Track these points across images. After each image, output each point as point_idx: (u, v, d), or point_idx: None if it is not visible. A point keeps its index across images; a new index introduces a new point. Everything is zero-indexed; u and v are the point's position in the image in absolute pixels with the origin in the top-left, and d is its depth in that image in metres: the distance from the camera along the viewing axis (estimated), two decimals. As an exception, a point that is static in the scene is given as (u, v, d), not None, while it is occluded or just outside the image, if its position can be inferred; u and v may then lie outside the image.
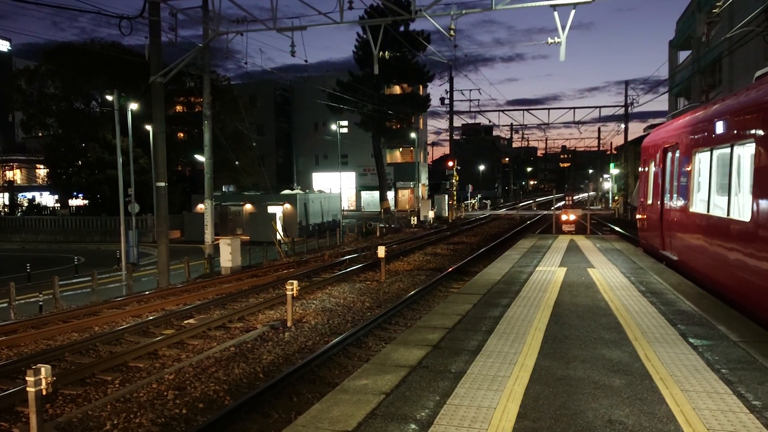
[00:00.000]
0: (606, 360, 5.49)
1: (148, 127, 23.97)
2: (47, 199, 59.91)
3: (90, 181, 41.39)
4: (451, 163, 46.73)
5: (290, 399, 7.56)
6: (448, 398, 4.59)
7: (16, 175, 62.63)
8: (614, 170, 59.45)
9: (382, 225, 36.71)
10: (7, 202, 57.03)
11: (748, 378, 4.93)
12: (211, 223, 21.29)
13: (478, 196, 75.79)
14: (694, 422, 4.06)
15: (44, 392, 5.92)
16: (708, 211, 8.98)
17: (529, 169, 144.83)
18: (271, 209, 36.09)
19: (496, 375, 5.11)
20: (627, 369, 5.21)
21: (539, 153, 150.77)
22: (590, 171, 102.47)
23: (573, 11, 14.82)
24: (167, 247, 18.85)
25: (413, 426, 4.10)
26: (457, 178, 47.65)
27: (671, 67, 41.05)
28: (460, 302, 8.26)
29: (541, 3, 14.93)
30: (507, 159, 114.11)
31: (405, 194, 68.58)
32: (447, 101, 47.17)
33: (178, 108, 47.19)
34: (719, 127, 8.59)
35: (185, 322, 12.26)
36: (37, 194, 60.98)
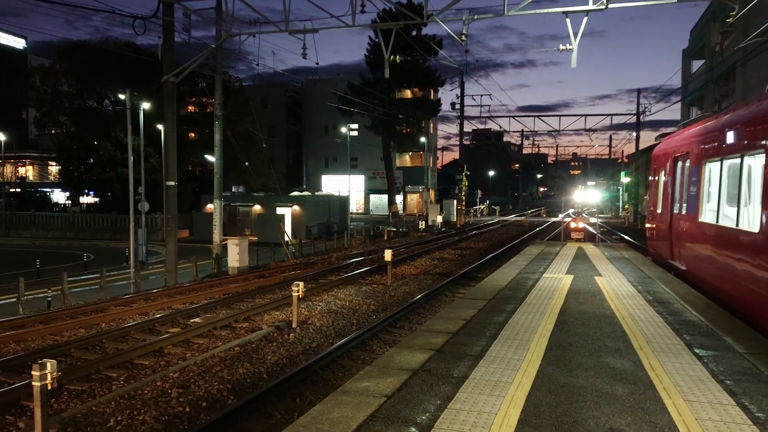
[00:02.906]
0: (610, 368, 5.46)
1: (160, 127, 24.12)
2: (58, 196, 60.42)
3: (101, 178, 41.73)
4: (460, 168, 46.69)
5: (293, 400, 7.57)
6: (449, 403, 4.59)
7: (29, 172, 63.25)
8: (625, 178, 59.17)
9: (390, 228, 36.70)
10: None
11: (752, 390, 4.89)
12: (219, 223, 21.38)
13: (487, 201, 75.63)
14: (696, 433, 4.03)
15: (49, 387, 5.96)
16: (717, 221, 8.92)
17: (539, 176, 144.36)
18: (279, 210, 36.19)
19: (499, 381, 5.10)
20: (630, 378, 5.18)
21: (550, 160, 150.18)
22: (601, 178, 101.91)
23: (585, 18, 14.78)
24: (176, 246, 18.94)
25: (413, 429, 4.09)
26: (467, 184, 47.58)
27: (684, 76, 40.85)
28: (465, 307, 8.24)
29: (554, 10, 14.91)
30: (517, 165, 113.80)
31: (414, 198, 68.57)
32: (458, 106, 47.19)
33: (190, 108, 47.51)
34: (730, 137, 8.54)
35: (191, 320, 12.32)
36: (48, 191, 61.54)
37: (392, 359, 5.74)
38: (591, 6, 14.28)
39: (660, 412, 4.41)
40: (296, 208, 36.65)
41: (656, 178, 14.45)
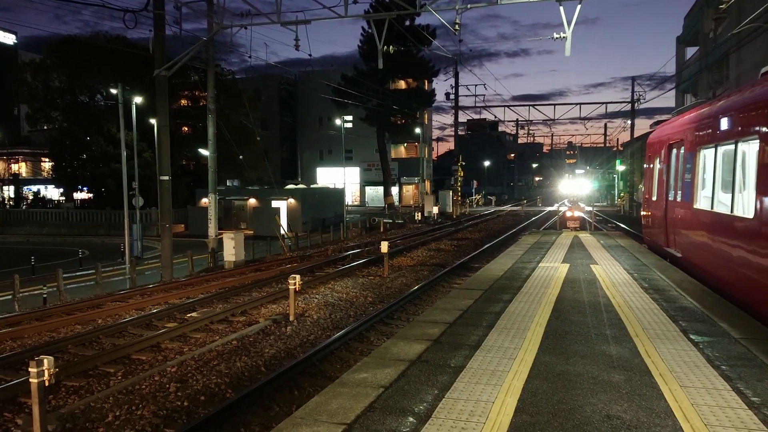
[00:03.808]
0: (606, 356, 5.48)
1: (153, 121, 24.01)
2: (52, 192, 60.15)
3: (95, 174, 41.54)
4: (456, 159, 46.66)
5: (291, 392, 7.58)
6: (446, 392, 4.60)
7: (22, 168, 62.87)
8: (620, 167, 59.27)
9: (386, 220, 36.70)
10: (12, 195, 57.27)
11: (747, 375, 4.92)
12: (214, 217, 21.33)
13: (483, 192, 75.66)
14: (692, 418, 4.06)
15: (47, 383, 5.95)
16: (712, 207, 8.94)
17: (534, 165, 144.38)
18: (275, 204, 36.16)
19: (496, 369, 5.11)
20: (627, 365, 5.20)
21: (545, 149, 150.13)
22: (589, 167, 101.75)
23: (579, 6, 14.72)
24: (171, 241, 18.91)
25: (411, 419, 4.10)
26: (462, 174, 47.58)
27: (678, 63, 40.82)
28: (461, 297, 8.25)
29: (547, -2, 14.83)
30: (512, 155, 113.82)
31: (409, 190, 68.54)
32: (452, 96, 47.08)
33: (183, 102, 47.27)
34: (724, 124, 8.55)
35: (188, 315, 12.31)
36: (42, 187, 61.24)
37: (389, 350, 5.75)
38: (584, -6, 14.21)
39: (656, 398, 4.43)
40: (292, 201, 36.61)
41: (651, 165, 14.47)
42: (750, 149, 7.49)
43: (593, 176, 71.96)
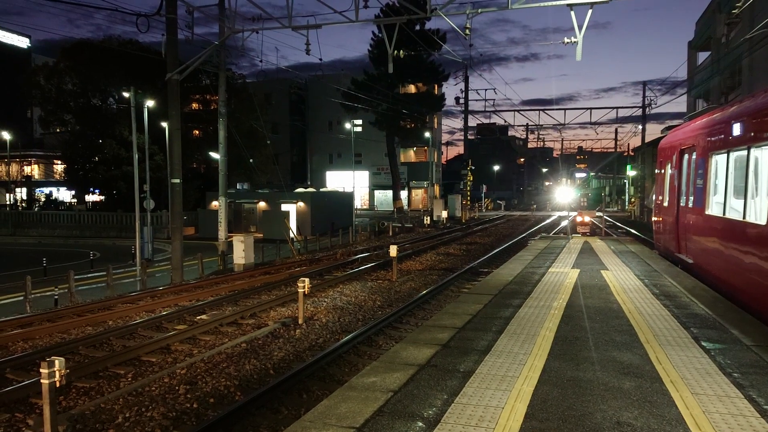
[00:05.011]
0: (616, 362, 5.44)
1: (164, 124, 24.17)
2: (64, 195, 60.64)
3: (106, 177, 41.83)
4: (465, 163, 46.58)
5: (300, 396, 7.59)
6: (456, 397, 4.59)
7: (34, 171, 63.41)
8: (631, 172, 58.94)
9: (394, 224, 36.69)
10: (24, 197, 57.79)
11: (760, 382, 4.87)
12: (224, 220, 21.42)
13: (492, 196, 75.43)
14: (703, 425, 4.02)
15: (58, 384, 5.99)
16: (724, 213, 8.87)
17: (544, 170, 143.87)
18: (284, 207, 36.25)
19: (505, 375, 5.10)
20: (637, 371, 5.17)
21: (555, 154, 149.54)
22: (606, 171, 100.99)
23: (590, 10, 14.67)
24: (181, 244, 18.98)
25: (420, 424, 4.10)
26: (471, 179, 47.48)
27: (690, 68, 40.60)
28: (471, 302, 8.24)
29: (558, 2, 14.80)
30: (522, 159, 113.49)
31: (418, 194, 68.51)
32: (462, 101, 47.03)
33: (194, 105, 47.54)
34: (736, 129, 8.49)
35: (198, 317, 12.37)
36: (54, 189, 61.74)
37: (398, 354, 5.74)
38: (595, -2, 14.17)
39: (667, 405, 4.40)
40: (301, 204, 36.69)
41: (662, 171, 14.38)
42: (763, 155, 7.44)
43: (603, 181, 71.58)
